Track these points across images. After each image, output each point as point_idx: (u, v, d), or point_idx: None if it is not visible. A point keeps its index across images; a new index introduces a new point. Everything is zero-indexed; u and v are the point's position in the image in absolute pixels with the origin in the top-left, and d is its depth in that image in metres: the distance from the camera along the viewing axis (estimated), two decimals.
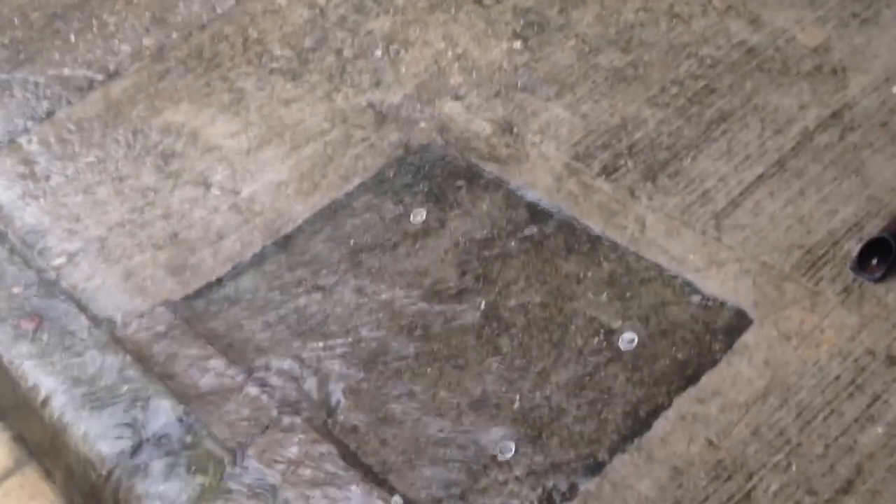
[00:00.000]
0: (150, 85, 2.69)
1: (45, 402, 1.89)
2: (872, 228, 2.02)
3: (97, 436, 1.83)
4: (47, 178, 2.45)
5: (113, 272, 2.19)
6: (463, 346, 1.93)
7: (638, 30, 2.73)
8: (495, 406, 1.81)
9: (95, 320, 2.07)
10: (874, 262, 1.92)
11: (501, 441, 1.75)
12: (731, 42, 2.61)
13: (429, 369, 1.90)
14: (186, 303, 2.10)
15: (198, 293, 2.12)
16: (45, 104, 2.66)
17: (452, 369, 1.89)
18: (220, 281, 2.14)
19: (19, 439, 2.12)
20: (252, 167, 2.44)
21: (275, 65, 2.75)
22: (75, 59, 2.81)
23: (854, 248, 1.98)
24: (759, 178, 2.21)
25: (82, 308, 2.09)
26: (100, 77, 2.72)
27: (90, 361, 1.94)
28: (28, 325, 2.04)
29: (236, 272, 2.15)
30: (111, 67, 2.75)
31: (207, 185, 2.38)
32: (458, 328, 1.97)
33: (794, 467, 1.62)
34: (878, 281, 1.90)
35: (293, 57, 2.78)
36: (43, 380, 1.93)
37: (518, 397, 1.82)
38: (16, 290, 2.10)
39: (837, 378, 1.75)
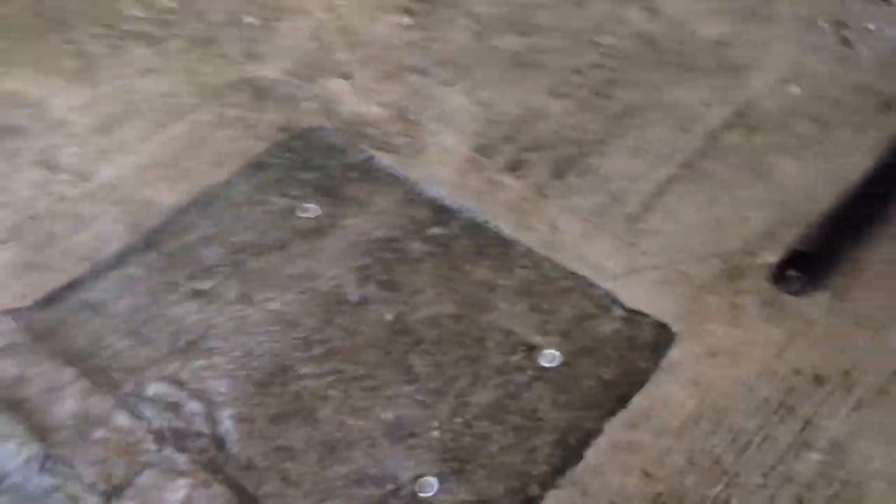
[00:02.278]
0: None
1: None
2: (786, 237, 1.96)
3: None
4: None
5: None
6: (370, 363, 1.73)
7: (533, 12, 2.58)
8: (412, 435, 1.62)
9: None
10: (793, 274, 1.85)
11: (422, 476, 1.57)
12: (632, 31, 2.51)
13: (332, 392, 1.69)
14: (35, 312, 1.79)
15: (48, 300, 1.81)
16: None
17: (360, 392, 1.69)
18: (74, 285, 1.83)
19: None
20: (107, 147, 2.13)
21: (130, 27, 2.43)
22: None
23: (771, 258, 1.91)
24: (670, 179, 2.11)
25: None
26: None
27: None
28: None
29: (95, 274, 1.85)
30: None
31: (54, 168, 2.05)
32: (364, 343, 1.76)
33: (734, 501, 1.52)
34: (797, 294, 1.83)
35: (152, 19, 2.46)
36: None
37: (437, 424, 1.64)
38: None
39: (767, 400, 1.67)
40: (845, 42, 2.43)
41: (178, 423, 1.63)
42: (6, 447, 1.54)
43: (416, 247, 1.95)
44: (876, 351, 1.73)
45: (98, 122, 2.16)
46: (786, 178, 2.10)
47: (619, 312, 1.82)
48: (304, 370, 1.71)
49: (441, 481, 1.56)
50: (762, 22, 2.51)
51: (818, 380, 1.69)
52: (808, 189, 2.06)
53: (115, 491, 1.51)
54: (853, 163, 2.10)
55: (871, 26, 2.48)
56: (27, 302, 1.81)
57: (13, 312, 1.79)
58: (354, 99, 2.30)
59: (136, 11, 2.47)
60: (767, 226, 1.99)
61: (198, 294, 1.83)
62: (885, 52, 2.40)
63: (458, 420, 1.65)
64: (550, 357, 1.73)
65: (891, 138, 2.14)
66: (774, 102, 2.30)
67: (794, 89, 2.33)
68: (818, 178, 2.08)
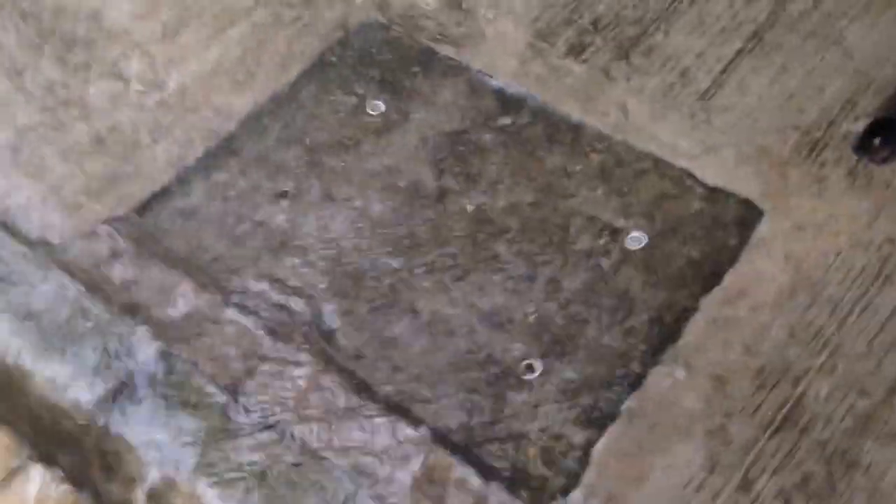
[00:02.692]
0: None
1: None
2: (866, 105, 1.93)
3: (67, 381, 1.54)
4: None
5: (35, 187, 1.85)
6: (458, 254, 1.74)
7: None
8: (509, 321, 1.64)
9: (29, 244, 1.74)
10: (877, 142, 1.83)
11: (525, 359, 1.59)
12: None
13: (425, 283, 1.70)
14: (133, 218, 1.79)
15: (143, 206, 1.81)
16: None
17: (452, 282, 1.70)
18: (165, 192, 1.83)
19: None
20: (173, 55, 2.10)
21: None
22: None
23: (853, 127, 1.88)
24: (739, 53, 2.07)
25: (9, 231, 1.75)
26: None
27: (36, 293, 1.62)
28: None
29: (182, 180, 1.85)
30: None
31: (125, 79, 2.03)
32: (449, 235, 1.77)
33: (839, 368, 1.54)
34: (882, 162, 1.82)
35: None
36: None
37: (533, 309, 1.65)
38: None
39: (863, 269, 1.67)
40: None
41: (285, 318, 1.65)
42: (138, 340, 1.56)
43: (488, 137, 1.93)
44: None
45: (159, 30, 2.13)
46: (859, 43, 2.06)
47: (700, 191, 1.81)
48: (395, 264, 1.72)
49: (544, 363, 1.58)
50: None
51: None
52: (883, 53, 2.02)
53: (237, 384, 1.54)
54: None
55: None
56: (122, 210, 1.81)
57: (112, 221, 1.79)
58: None
59: None
60: (845, 94, 1.96)
61: (282, 195, 1.83)
62: None
63: (553, 304, 1.66)
64: (636, 239, 1.73)
65: None
66: None
67: None
68: (892, 42, 2.04)
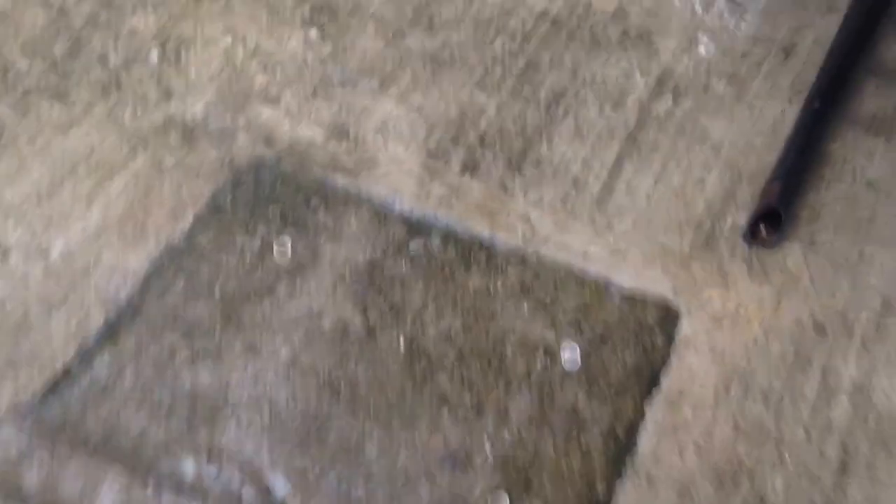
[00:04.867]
0: None
1: None
2: (743, 195, 2.06)
3: None
4: None
5: None
6: (399, 394, 1.71)
7: (433, 7, 2.57)
8: (467, 459, 1.62)
9: None
10: (762, 230, 1.97)
11: (492, 494, 1.57)
12: (534, 13, 2.54)
13: (375, 431, 1.66)
14: (37, 407, 1.65)
15: (47, 392, 1.68)
16: None
17: (402, 426, 1.67)
18: (69, 370, 1.71)
19: None
20: (53, 217, 1.98)
21: (27, 83, 2.25)
22: None
23: (737, 217, 2.01)
24: (619, 157, 2.17)
25: None
26: None
27: None
28: None
29: (86, 355, 1.74)
30: None
31: (4, 252, 1.89)
32: (386, 374, 1.74)
33: (787, 458, 1.62)
34: (773, 246, 1.95)
35: (47, 71, 2.29)
36: None
37: (488, 442, 1.64)
38: None
39: (781, 355, 1.77)
40: None
41: (232, 494, 1.56)
42: None
43: (403, 265, 1.93)
44: (860, 288, 1.87)
45: (34, 192, 2.01)
46: (722, 137, 2.21)
47: (618, 296, 1.88)
48: (337, 413, 1.67)
49: (512, 496, 1.57)
50: None
51: (819, 328, 1.81)
52: (746, 144, 2.18)
53: None
54: (775, 110, 2.23)
55: None
56: (23, 399, 1.67)
57: (14, 413, 1.64)
58: (288, 122, 2.23)
59: (29, 64, 2.29)
60: (724, 186, 2.09)
61: (201, 355, 1.74)
62: (771, 1, 2.55)
63: (506, 434, 1.66)
64: (571, 351, 1.77)
65: (809, 82, 2.29)
66: (686, 67, 2.40)
67: (701, 50, 2.44)
68: (751, 131, 2.20)
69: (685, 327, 1.81)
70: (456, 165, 2.14)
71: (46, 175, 2.06)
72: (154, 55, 2.35)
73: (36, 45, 2.32)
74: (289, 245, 1.95)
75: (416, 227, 1.99)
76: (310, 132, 2.20)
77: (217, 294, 1.86)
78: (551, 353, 1.77)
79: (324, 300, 1.85)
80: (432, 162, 2.15)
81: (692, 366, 1.75)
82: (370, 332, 1.81)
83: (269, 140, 2.18)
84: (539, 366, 1.74)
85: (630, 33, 2.49)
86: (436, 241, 1.97)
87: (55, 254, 1.91)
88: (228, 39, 2.41)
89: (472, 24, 2.51)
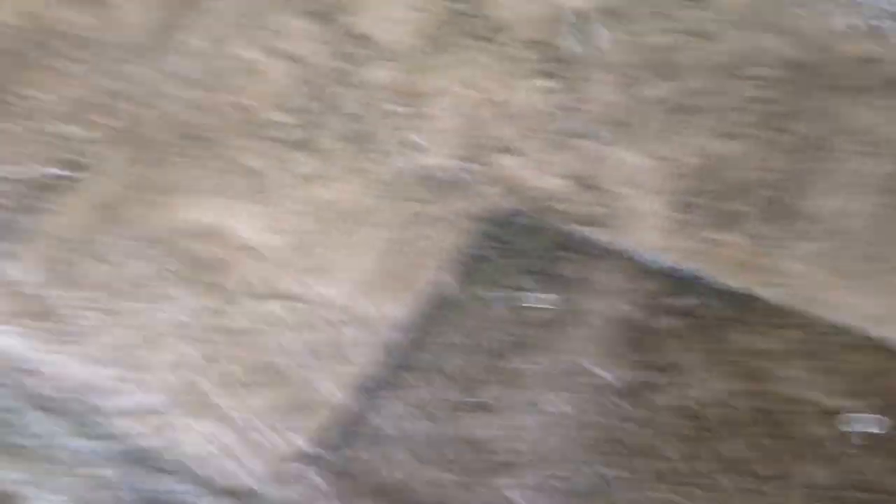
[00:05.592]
0: (136, 177, 2.17)
1: None
2: None
3: None
4: (63, 314, 1.90)
5: (205, 427, 1.72)
6: (681, 457, 1.64)
7: (667, 54, 2.51)
8: None
9: (227, 494, 1.60)
10: None
11: None
12: (775, 58, 2.45)
13: (655, 494, 1.59)
14: (323, 452, 1.66)
15: (328, 437, 1.69)
16: (6, 218, 2.08)
17: (696, 491, 1.59)
18: (349, 416, 1.71)
19: None
20: (311, 268, 2.01)
21: (277, 134, 2.31)
22: (17, 151, 2.23)
23: None
24: (884, 207, 2.05)
25: (198, 483, 1.61)
26: (68, 173, 2.16)
27: None
28: None
29: (363, 402, 1.74)
30: (77, 158, 2.20)
31: (274, 297, 1.94)
32: (660, 435, 1.67)
33: None
34: None
35: (295, 123, 2.34)
36: None
37: None
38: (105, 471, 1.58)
39: None
40: None
41: None
42: None
43: (664, 322, 1.87)
44: None
45: (293, 241, 2.05)
46: None
47: None
48: (618, 474, 1.62)
49: None
50: None
51: None
52: None
53: None
54: None
55: None
56: (307, 444, 1.68)
57: (302, 458, 1.66)
58: (530, 173, 2.21)
59: (274, 115, 2.35)
60: None
61: (479, 407, 1.72)
62: None
63: None
64: (868, 421, 1.66)
65: None
66: None
67: None
68: None
69: None
70: (708, 217, 2.07)
71: (303, 225, 2.10)
72: (396, 107, 2.38)
73: (283, 98, 2.38)
74: (544, 298, 1.92)
75: (673, 282, 1.93)
76: (553, 183, 2.18)
77: (481, 346, 1.84)
78: (844, 421, 1.66)
79: (586, 356, 1.81)
80: (682, 213, 2.08)
81: None
82: (638, 390, 1.75)
83: (512, 191, 2.17)
84: (832, 437, 1.64)
85: (886, 77, 2.37)
86: (696, 298, 1.90)
87: (321, 302, 1.94)
88: (466, 91, 2.42)
89: (712, 70, 2.44)
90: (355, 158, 2.27)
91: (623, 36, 2.53)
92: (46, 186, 2.11)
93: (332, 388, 1.78)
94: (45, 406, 1.80)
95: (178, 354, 1.85)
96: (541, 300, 1.92)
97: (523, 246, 2.04)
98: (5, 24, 2.41)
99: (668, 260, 1.97)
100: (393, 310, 1.91)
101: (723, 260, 1.97)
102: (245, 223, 2.09)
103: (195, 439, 1.72)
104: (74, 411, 1.78)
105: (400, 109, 2.39)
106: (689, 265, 1.96)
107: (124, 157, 2.19)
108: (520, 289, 1.95)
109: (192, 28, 2.48)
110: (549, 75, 2.47)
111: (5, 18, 2.42)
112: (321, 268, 2.01)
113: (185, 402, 1.79)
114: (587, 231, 2.06)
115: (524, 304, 1.91)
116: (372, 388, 1.76)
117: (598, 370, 1.79)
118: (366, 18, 2.54)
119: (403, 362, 1.81)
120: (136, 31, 2.45)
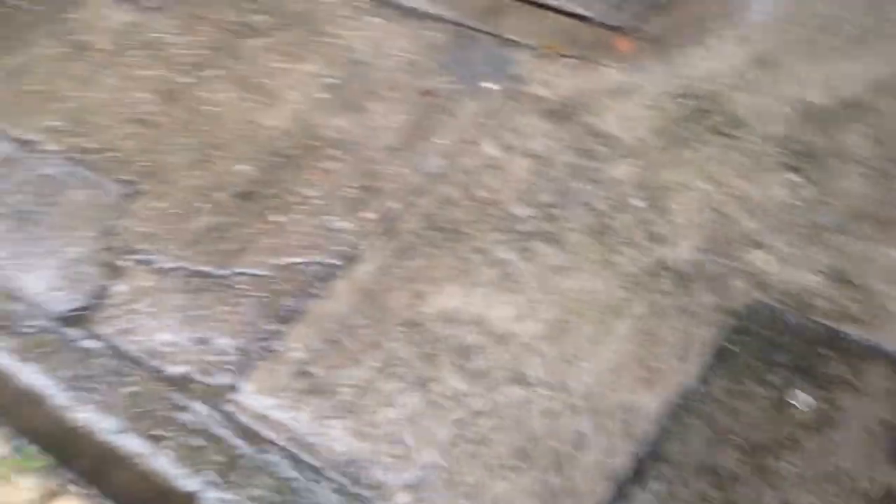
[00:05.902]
0: (396, 266, 2.29)
1: None
2: None
3: None
4: (334, 391, 2.02)
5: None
6: None
7: None
8: None
9: None
10: None
11: None
12: None
13: None
14: None
15: None
16: (285, 301, 2.25)
17: None
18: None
19: None
20: (566, 355, 2.05)
21: (523, 227, 2.39)
22: (293, 243, 2.41)
23: None
24: None
25: None
26: (338, 262, 2.32)
27: None
28: None
29: (622, 493, 1.74)
30: (346, 249, 2.35)
31: (527, 384, 1.98)
32: None
33: None
34: None
35: (539, 216, 2.41)
36: None
37: None
38: None
39: None
40: None
41: None
42: None
43: None
44: None
45: (544, 330, 2.10)
46: None
47: None
48: None
49: None
50: None
51: None
52: None
53: None
54: None
55: None
56: None
57: None
58: (781, 268, 2.17)
59: (521, 210, 2.44)
60: None
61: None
62: None
63: None
64: None
65: None
66: None
67: None
68: None
69: None
70: None
71: (553, 315, 2.15)
72: (638, 202, 2.42)
73: (528, 193, 2.47)
74: (806, 397, 1.87)
75: None
76: (806, 278, 2.13)
77: (738, 442, 1.81)
78: None
79: (856, 460, 1.74)
80: None
81: None
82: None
83: (763, 286, 2.14)
84: None
85: None
86: None
87: (575, 390, 1.96)
88: (709, 186, 2.43)
89: None
90: (600, 250, 2.31)
91: (866, 128, 2.49)
92: (320, 274, 2.28)
93: (590, 476, 1.79)
94: (317, 475, 1.91)
95: (432, 433, 1.92)
96: (800, 398, 1.87)
97: (780, 341, 2.01)
98: (284, 131, 2.65)
99: None
100: (644, 400, 1.91)
101: None
102: (497, 311, 2.16)
103: None
104: (342, 483, 1.88)
105: (642, 204, 2.42)
106: None
107: (385, 247, 2.33)
108: (778, 385, 1.91)
109: (439, 129, 2.63)
110: (794, 169, 2.45)
111: (285, 125, 2.66)
112: (574, 356, 2.05)
113: (457, 483, 1.84)
114: (849, 329, 2.00)
115: (779, 401, 1.86)
116: (627, 481, 1.76)
117: (870, 477, 1.71)
118: (602, 116, 2.62)
119: (656, 455, 1.80)
120: (390, 133, 2.62)
